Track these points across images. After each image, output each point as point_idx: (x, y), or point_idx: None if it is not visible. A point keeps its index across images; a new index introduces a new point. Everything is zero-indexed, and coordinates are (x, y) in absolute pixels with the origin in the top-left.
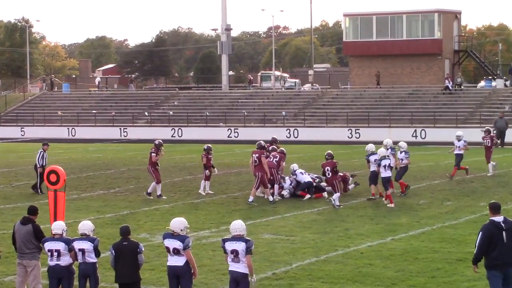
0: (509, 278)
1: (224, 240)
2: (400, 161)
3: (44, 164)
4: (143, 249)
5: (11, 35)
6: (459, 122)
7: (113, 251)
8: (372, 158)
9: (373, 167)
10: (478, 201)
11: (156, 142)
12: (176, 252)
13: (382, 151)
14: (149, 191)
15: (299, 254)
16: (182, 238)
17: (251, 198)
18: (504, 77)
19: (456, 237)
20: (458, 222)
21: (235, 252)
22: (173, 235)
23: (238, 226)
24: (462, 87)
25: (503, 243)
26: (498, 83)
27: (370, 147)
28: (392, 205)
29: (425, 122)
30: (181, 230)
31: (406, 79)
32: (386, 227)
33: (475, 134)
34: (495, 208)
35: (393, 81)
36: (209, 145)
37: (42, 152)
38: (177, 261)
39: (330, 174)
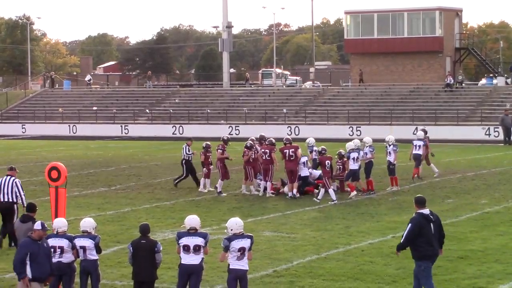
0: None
1: (230, 239)
2: (365, 155)
3: None
4: (161, 248)
5: (12, 32)
6: (460, 120)
7: (131, 248)
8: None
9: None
10: (479, 199)
11: (224, 137)
12: (197, 249)
13: (350, 144)
14: (218, 189)
15: (300, 252)
16: (203, 235)
17: (290, 194)
18: (506, 75)
19: (456, 235)
20: (459, 220)
21: (242, 250)
22: (190, 233)
23: (240, 223)
24: (463, 84)
25: (432, 234)
26: (499, 81)
27: (351, 145)
28: (354, 193)
29: (426, 119)
30: (199, 227)
31: (407, 77)
32: (387, 224)
33: (477, 132)
34: (421, 202)
35: (394, 79)
36: (208, 143)
37: None
38: (194, 259)
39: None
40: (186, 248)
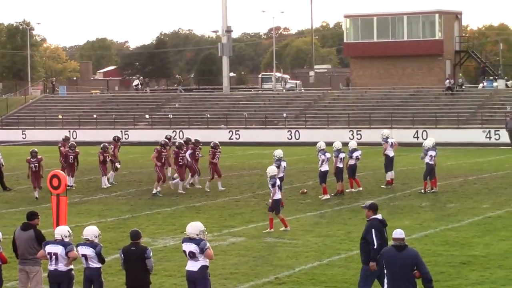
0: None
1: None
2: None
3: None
4: (151, 254)
5: (12, 37)
6: (461, 123)
7: (122, 254)
8: (342, 155)
9: (339, 163)
10: (481, 203)
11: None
12: (192, 255)
13: (338, 144)
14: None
15: (301, 258)
16: (197, 242)
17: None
18: (506, 77)
19: (459, 240)
20: (461, 225)
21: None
22: (190, 239)
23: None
24: (463, 87)
25: (385, 239)
26: (499, 84)
27: (338, 144)
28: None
29: (427, 123)
30: (197, 235)
31: (407, 80)
32: (388, 230)
33: (477, 135)
34: (376, 208)
35: (394, 82)
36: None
37: None
38: (193, 266)
39: None
40: (185, 254)
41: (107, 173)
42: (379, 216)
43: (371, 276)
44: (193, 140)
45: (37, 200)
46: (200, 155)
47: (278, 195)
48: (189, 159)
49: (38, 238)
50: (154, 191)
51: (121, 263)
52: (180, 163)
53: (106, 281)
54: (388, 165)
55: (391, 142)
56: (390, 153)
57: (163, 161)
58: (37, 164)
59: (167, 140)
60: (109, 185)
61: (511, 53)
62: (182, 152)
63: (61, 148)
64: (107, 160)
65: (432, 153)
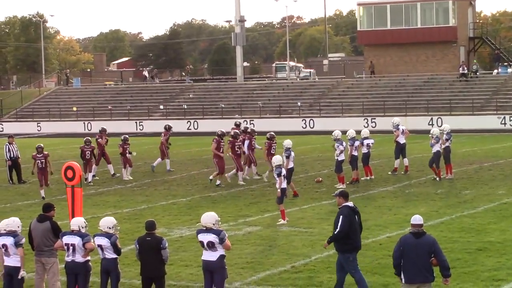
0: None
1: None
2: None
3: (12, 156)
4: (166, 245)
5: (26, 30)
6: (475, 110)
7: (137, 245)
8: (356, 143)
9: (354, 152)
10: (496, 190)
11: (218, 132)
12: (211, 245)
13: (352, 132)
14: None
15: (317, 247)
16: (217, 232)
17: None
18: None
19: (475, 226)
20: (477, 211)
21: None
22: (206, 230)
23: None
24: (477, 74)
25: (358, 225)
26: None
27: (352, 132)
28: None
29: (441, 110)
30: (213, 225)
31: (421, 67)
32: (404, 217)
33: (492, 121)
34: (346, 196)
35: (408, 70)
36: (236, 130)
37: (7, 145)
38: (211, 256)
39: None
40: (202, 244)
41: (129, 165)
42: (350, 204)
43: (354, 262)
44: (249, 130)
45: (44, 199)
46: (258, 147)
47: (284, 185)
48: (246, 150)
49: (55, 229)
50: (218, 182)
51: (136, 253)
52: (237, 152)
53: (123, 271)
54: (397, 152)
55: (402, 129)
56: (401, 140)
57: (236, 150)
58: (43, 160)
59: (223, 131)
60: (131, 177)
61: None
62: (238, 141)
63: (98, 140)
64: (127, 152)
65: (441, 139)
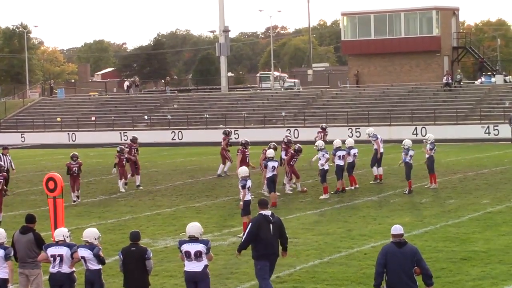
0: (272, 267)
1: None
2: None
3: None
4: (151, 255)
5: (10, 41)
6: (459, 119)
7: (121, 255)
8: (343, 153)
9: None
10: (480, 199)
11: (242, 141)
12: (199, 255)
13: (337, 142)
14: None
15: (302, 257)
16: (205, 242)
17: None
18: (504, 73)
19: (459, 235)
20: (461, 221)
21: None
22: (192, 240)
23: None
24: (461, 83)
25: (271, 235)
26: (498, 79)
27: (337, 142)
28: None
29: (425, 119)
30: (200, 235)
31: (405, 77)
32: (389, 227)
33: (476, 130)
34: (264, 204)
35: (392, 79)
36: (246, 139)
37: (1, 156)
38: (196, 266)
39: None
40: (188, 255)
41: (124, 177)
42: (265, 212)
43: (262, 270)
44: (285, 140)
45: (75, 202)
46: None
47: (248, 197)
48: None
49: (38, 241)
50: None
51: (120, 264)
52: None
53: (107, 282)
54: (377, 161)
55: (381, 138)
56: (381, 149)
57: (247, 160)
58: (76, 167)
59: (247, 140)
60: (124, 190)
61: (509, 48)
62: (247, 150)
63: (128, 157)
64: (124, 163)
65: (411, 152)
